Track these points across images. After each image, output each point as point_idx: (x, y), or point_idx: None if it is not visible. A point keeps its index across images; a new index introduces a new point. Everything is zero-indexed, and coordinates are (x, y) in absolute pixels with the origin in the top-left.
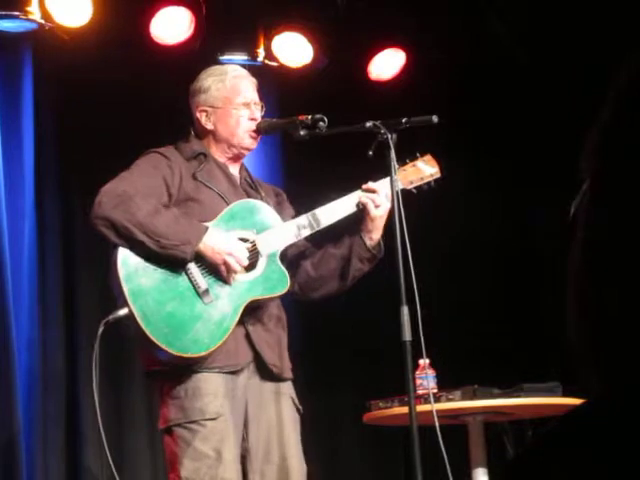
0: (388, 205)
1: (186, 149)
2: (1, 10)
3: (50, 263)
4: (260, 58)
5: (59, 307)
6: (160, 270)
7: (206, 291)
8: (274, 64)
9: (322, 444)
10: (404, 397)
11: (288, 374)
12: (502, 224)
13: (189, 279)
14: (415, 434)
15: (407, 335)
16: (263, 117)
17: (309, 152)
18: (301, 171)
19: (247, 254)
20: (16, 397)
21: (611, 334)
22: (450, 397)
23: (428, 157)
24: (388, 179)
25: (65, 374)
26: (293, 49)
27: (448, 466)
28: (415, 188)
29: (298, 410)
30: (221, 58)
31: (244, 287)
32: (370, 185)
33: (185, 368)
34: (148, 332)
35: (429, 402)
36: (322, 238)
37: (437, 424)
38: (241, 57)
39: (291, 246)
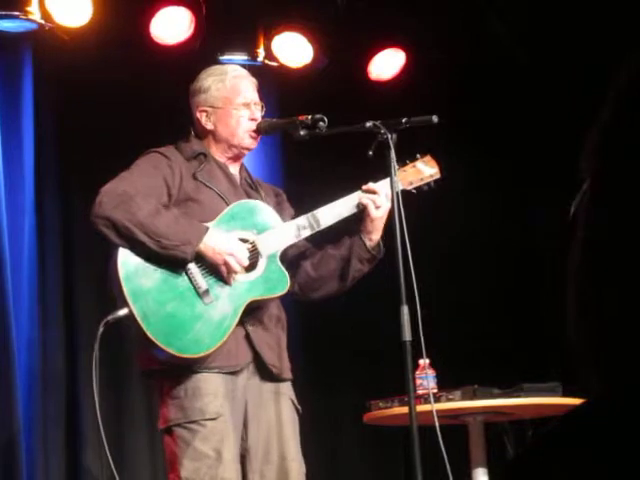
0: (388, 206)
1: (186, 149)
2: (1, 10)
3: (50, 263)
4: (260, 58)
5: (59, 307)
6: (160, 270)
7: (206, 291)
8: (274, 64)
9: (322, 444)
10: (404, 397)
11: (287, 374)
12: (502, 224)
13: (189, 279)
14: (415, 434)
15: (407, 335)
16: (263, 117)
17: (309, 152)
18: (301, 171)
19: (248, 254)
20: (16, 397)
21: (611, 334)
22: (450, 397)
23: (428, 158)
24: (388, 180)
25: (65, 374)
26: (293, 49)
27: (448, 466)
28: (415, 189)
29: (297, 410)
30: (221, 58)
31: (244, 287)
32: (370, 186)
33: (185, 368)
34: (148, 332)
35: (429, 402)
36: (322, 239)
37: (437, 424)
38: (241, 57)
39: (291, 247)
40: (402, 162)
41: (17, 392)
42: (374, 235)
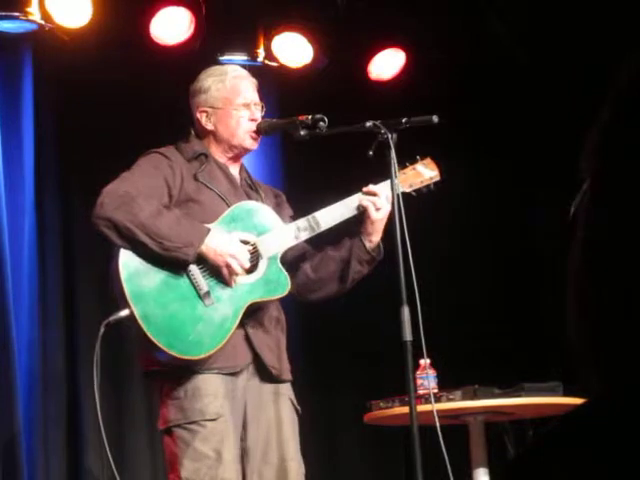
0: (388, 208)
1: (187, 149)
2: (1, 11)
3: (50, 263)
4: (260, 58)
5: (59, 307)
6: (161, 272)
7: (207, 293)
8: (274, 64)
9: (322, 444)
10: (405, 397)
11: (287, 376)
12: (502, 224)
13: (190, 281)
14: (416, 434)
15: (408, 335)
16: (263, 117)
17: (309, 152)
18: (301, 171)
19: (249, 256)
20: (16, 398)
21: (611, 334)
22: (451, 397)
23: (428, 160)
24: (388, 182)
25: (65, 375)
26: (293, 49)
27: (449, 466)
28: (415, 191)
29: (297, 411)
30: (221, 58)
31: (245, 289)
32: (371, 188)
33: (185, 369)
34: (149, 333)
35: (430, 402)
36: (322, 240)
37: (438, 424)
38: (241, 57)
39: (291, 248)
40: (402, 164)
41: (17, 392)
42: (374, 237)
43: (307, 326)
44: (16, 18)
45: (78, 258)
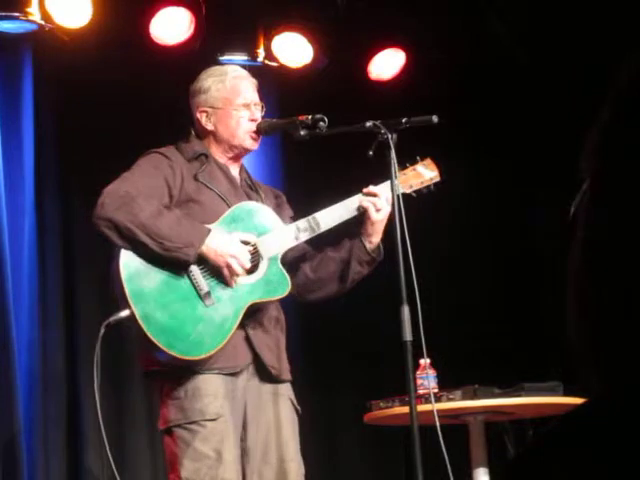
0: (389, 209)
1: (187, 149)
2: (1, 11)
3: (50, 264)
4: (260, 58)
5: (59, 308)
6: (162, 272)
7: (208, 293)
8: (274, 64)
9: (322, 444)
10: (405, 397)
11: (287, 376)
12: (502, 224)
13: (191, 281)
14: (416, 434)
15: (408, 335)
16: (263, 117)
17: (309, 152)
18: (301, 171)
19: (249, 257)
20: (16, 398)
21: (611, 334)
22: (451, 397)
23: (428, 161)
24: (388, 183)
25: (65, 375)
26: (293, 49)
27: (449, 466)
28: (415, 192)
29: (297, 411)
30: (221, 58)
31: (245, 290)
32: (371, 189)
33: (185, 369)
34: (149, 334)
35: (430, 402)
36: (322, 241)
37: (438, 424)
38: (241, 57)
39: (291, 249)
40: (402, 165)
41: (17, 393)
42: (374, 238)
43: (307, 326)
44: (16, 18)
45: (78, 258)
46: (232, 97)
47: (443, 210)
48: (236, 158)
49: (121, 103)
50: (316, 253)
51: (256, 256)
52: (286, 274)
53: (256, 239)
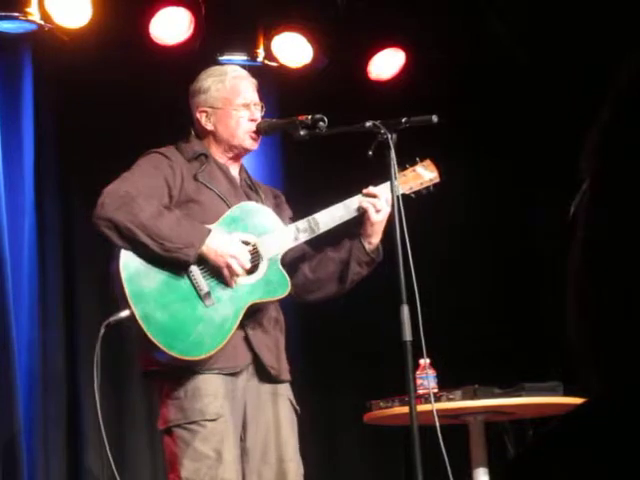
0: (388, 210)
1: (187, 149)
2: (1, 11)
3: (50, 264)
4: (260, 58)
5: (59, 308)
6: (162, 272)
7: (208, 294)
8: (274, 64)
9: (322, 444)
10: (405, 397)
11: (286, 376)
12: (502, 224)
13: (191, 282)
14: (416, 434)
15: (407, 335)
16: (263, 117)
17: (309, 152)
18: (301, 171)
19: (249, 257)
20: (16, 398)
21: (611, 334)
22: (451, 397)
23: (428, 162)
24: (388, 184)
25: (65, 375)
26: (293, 49)
27: (449, 466)
28: (414, 193)
29: (296, 411)
30: (221, 58)
31: (245, 290)
32: (371, 190)
33: (185, 369)
34: (149, 334)
35: (430, 402)
36: (321, 241)
37: (438, 424)
38: (241, 57)
39: (290, 249)
40: (402, 166)
41: (17, 393)
42: (374, 239)
43: (307, 326)
44: (16, 18)
45: (78, 258)
46: (232, 97)
47: (443, 210)
48: (236, 158)
49: (121, 103)
50: (315, 254)
51: (256, 256)
52: (286, 275)
53: (256, 239)
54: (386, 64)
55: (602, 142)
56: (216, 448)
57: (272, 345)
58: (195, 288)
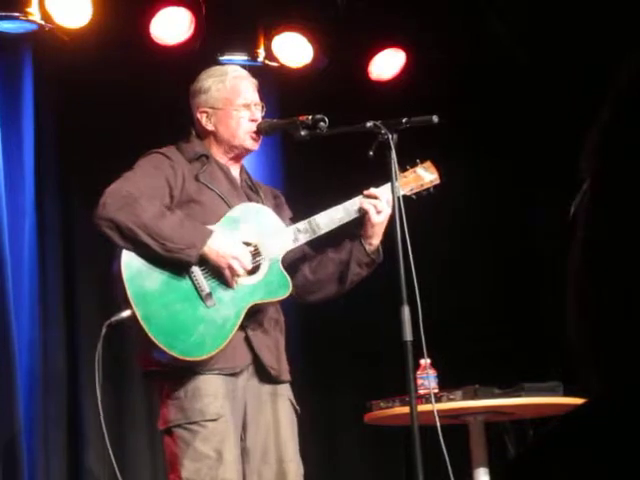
0: (389, 211)
1: (188, 150)
2: (1, 11)
3: (50, 263)
4: (260, 58)
5: (59, 307)
6: (164, 273)
7: (209, 294)
8: (274, 64)
9: (322, 444)
10: (405, 397)
11: (286, 376)
12: (502, 224)
13: (192, 282)
14: (416, 434)
15: (408, 335)
16: (264, 118)
17: (309, 153)
18: (301, 172)
19: (251, 258)
20: (17, 398)
21: (611, 334)
22: (451, 397)
23: (428, 164)
24: (389, 185)
25: (66, 375)
26: (293, 49)
27: (449, 466)
28: (415, 194)
29: (296, 411)
30: (221, 58)
31: (246, 291)
32: (372, 191)
33: (185, 370)
34: (151, 334)
35: (430, 402)
36: (321, 242)
37: (438, 424)
38: (241, 57)
39: (291, 250)
40: (402, 167)
41: (18, 392)
42: (374, 240)
43: (307, 326)
44: (16, 18)
45: (78, 258)
46: (232, 97)
47: (443, 210)
48: (236, 158)
49: (121, 103)
50: (315, 254)
51: (257, 257)
52: (287, 275)
53: (257, 240)
54: (386, 64)
55: (602, 142)
56: (217, 448)
57: (272, 345)
58: (196, 289)
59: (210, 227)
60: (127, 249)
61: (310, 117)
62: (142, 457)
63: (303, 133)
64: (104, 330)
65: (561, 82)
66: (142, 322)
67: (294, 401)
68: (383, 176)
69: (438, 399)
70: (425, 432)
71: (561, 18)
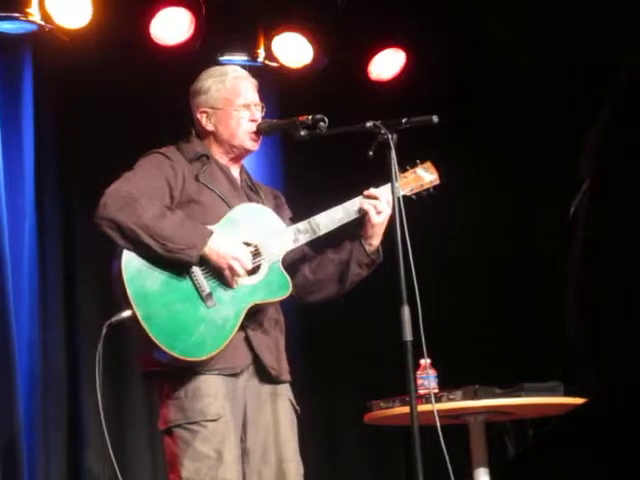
0: (389, 211)
1: (188, 150)
2: (1, 12)
3: (50, 263)
4: (260, 58)
5: (59, 307)
6: (164, 273)
7: (209, 295)
8: (274, 64)
9: (322, 444)
10: (405, 397)
11: (286, 376)
12: (502, 224)
13: (193, 282)
14: (416, 434)
15: (408, 335)
16: (263, 118)
17: (309, 153)
18: (301, 172)
19: (251, 258)
20: (17, 398)
21: (611, 334)
22: (451, 397)
23: (428, 164)
24: (389, 185)
25: (66, 375)
26: (293, 49)
27: (449, 466)
28: (415, 195)
29: (296, 411)
30: (221, 58)
31: (246, 291)
32: (372, 191)
33: (186, 370)
34: (151, 335)
35: (430, 402)
36: (321, 243)
37: (438, 424)
38: (241, 57)
39: (291, 250)
40: (402, 168)
41: (18, 393)
42: (374, 240)
43: (307, 326)
44: (16, 19)
45: (78, 258)
46: (232, 97)
47: (443, 210)
48: (237, 159)
49: (121, 103)
50: (316, 255)
51: (257, 257)
52: (287, 276)
53: (257, 241)
54: (386, 64)
55: (602, 142)
56: (217, 448)
57: (272, 346)
58: (197, 289)
59: (210, 227)
60: (127, 249)
61: (310, 117)
62: (142, 457)
63: (303, 133)
64: (104, 330)
65: (561, 82)
66: (143, 322)
67: (294, 401)
68: (383, 176)
69: (438, 399)
70: (425, 432)
71: (561, 18)
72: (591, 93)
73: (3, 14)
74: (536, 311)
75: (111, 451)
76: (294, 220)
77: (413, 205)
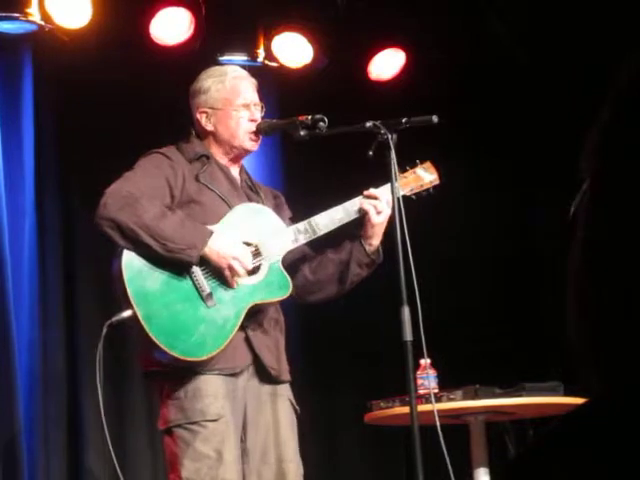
0: (389, 211)
1: (188, 150)
2: (1, 11)
3: (50, 263)
4: (260, 58)
5: (59, 307)
6: (164, 273)
7: (209, 295)
8: (274, 64)
9: (322, 444)
10: (405, 397)
11: (286, 376)
12: (502, 224)
13: (193, 282)
14: (416, 434)
15: (408, 335)
16: (263, 118)
17: (309, 153)
18: (301, 172)
19: (251, 258)
20: (17, 398)
21: (611, 334)
22: (451, 397)
23: (428, 164)
24: (389, 185)
25: (66, 375)
26: (293, 49)
27: (449, 466)
28: (415, 195)
29: (296, 412)
30: (221, 58)
31: (247, 291)
32: (372, 191)
33: (186, 370)
34: (151, 334)
35: (430, 402)
36: (321, 243)
37: (438, 424)
38: (241, 57)
39: (291, 250)
40: (402, 168)
41: (18, 393)
42: (374, 240)
43: (307, 326)
44: (16, 19)
45: (78, 258)
46: (232, 97)
47: (443, 210)
48: (236, 159)
49: (121, 103)
50: (316, 255)
51: (257, 257)
52: (287, 276)
53: (258, 240)
54: (386, 64)
55: (602, 142)
56: (217, 448)
57: (272, 346)
58: (197, 289)
59: (210, 227)
60: (128, 249)
61: (310, 117)
62: (142, 457)
63: (302, 133)
64: (105, 330)
65: (561, 82)
66: (143, 322)
67: (294, 401)
68: (383, 176)
69: (438, 399)
70: (425, 432)
71: (561, 18)
72: (591, 93)
73: (3, 14)
74: (536, 311)
75: (112, 450)
76: (294, 220)
77: (413, 205)
